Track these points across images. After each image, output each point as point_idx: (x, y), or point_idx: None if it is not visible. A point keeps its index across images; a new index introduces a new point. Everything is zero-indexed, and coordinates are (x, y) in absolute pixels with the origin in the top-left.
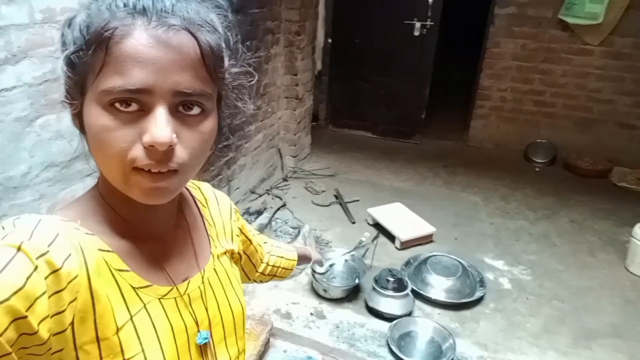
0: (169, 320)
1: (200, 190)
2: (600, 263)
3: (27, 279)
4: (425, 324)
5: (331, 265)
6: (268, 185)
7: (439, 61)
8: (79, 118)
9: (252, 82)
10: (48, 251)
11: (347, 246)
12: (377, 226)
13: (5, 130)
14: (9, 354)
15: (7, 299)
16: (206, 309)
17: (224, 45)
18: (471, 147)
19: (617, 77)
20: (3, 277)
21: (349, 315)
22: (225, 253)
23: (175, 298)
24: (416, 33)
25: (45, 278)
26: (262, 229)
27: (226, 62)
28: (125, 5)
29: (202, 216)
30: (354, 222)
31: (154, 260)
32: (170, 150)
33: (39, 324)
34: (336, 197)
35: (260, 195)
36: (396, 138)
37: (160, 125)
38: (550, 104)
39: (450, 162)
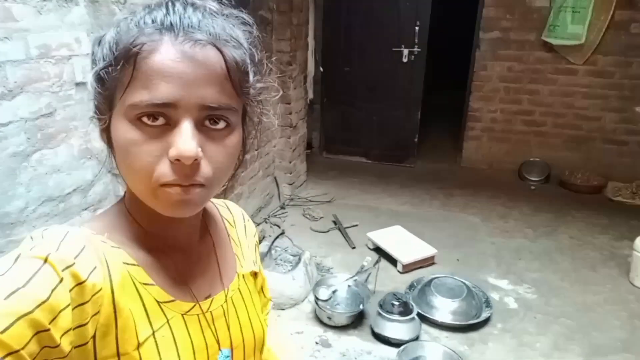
0: (190, 337)
1: (229, 209)
2: (603, 278)
3: (52, 291)
4: (434, 348)
5: (334, 292)
6: (266, 214)
7: (429, 86)
8: (107, 133)
9: (277, 97)
10: (74, 263)
11: (348, 272)
12: (378, 250)
13: (1, 165)
14: None
15: (31, 312)
16: (228, 329)
17: (249, 60)
18: (465, 169)
19: (603, 94)
20: (28, 289)
21: (355, 342)
22: (250, 274)
23: (197, 315)
24: (404, 60)
25: (70, 290)
26: (262, 258)
27: (251, 77)
28: (153, 22)
29: (228, 235)
30: (354, 247)
31: (178, 275)
32: (196, 164)
33: (61, 336)
34: (335, 222)
35: (259, 224)
36: (390, 162)
37: (186, 139)
38: (540, 123)
39: (445, 184)
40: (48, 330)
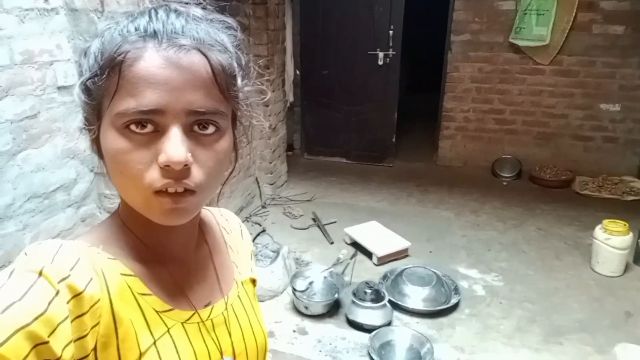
0: (192, 345)
1: (226, 218)
2: (567, 265)
3: (49, 303)
4: (404, 332)
5: (311, 283)
6: (247, 213)
7: (406, 88)
8: (96, 143)
9: (265, 100)
10: (69, 275)
11: (326, 265)
12: (355, 245)
13: None
14: None
15: (29, 324)
16: (230, 336)
17: (235, 64)
18: (441, 167)
19: (568, 92)
20: (24, 302)
21: (331, 329)
22: (249, 280)
23: (198, 323)
24: (380, 63)
25: (67, 302)
26: None
27: (239, 81)
28: (136, 30)
29: (225, 242)
30: (332, 243)
31: (175, 284)
32: (186, 169)
33: (63, 349)
34: (314, 220)
35: None
36: (369, 162)
37: (175, 145)
38: (510, 121)
39: (422, 182)
40: (47, 342)
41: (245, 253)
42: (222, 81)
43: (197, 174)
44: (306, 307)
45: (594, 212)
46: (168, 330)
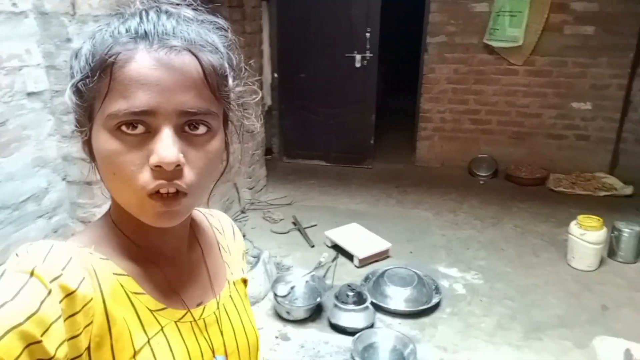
0: (185, 344)
1: (219, 219)
2: (544, 262)
3: (41, 303)
4: (387, 334)
5: (292, 288)
6: None
7: (385, 90)
8: (88, 146)
9: (257, 100)
10: (61, 275)
11: (307, 269)
12: (336, 247)
13: None
14: None
15: (21, 324)
16: (222, 336)
17: (226, 64)
18: (419, 167)
19: (541, 92)
20: (16, 302)
21: (313, 334)
22: (240, 280)
23: (190, 322)
24: (357, 65)
25: (60, 302)
26: None
27: (230, 81)
28: (127, 31)
29: (217, 243)
30: (313, 246)
31: (167, 283)
32: (178, 170)
33: (56, 349)
34: (294, 223)
35: None
36: (348, 164)
37: (166, 145)
38: (485, 121)
39: (401, 183)
40: (40, 342)
41: (237, 253)
42: (213, 81)
43: (188, 175)
44: (288, 313)
45: (568, 209)
46: (162, 329)
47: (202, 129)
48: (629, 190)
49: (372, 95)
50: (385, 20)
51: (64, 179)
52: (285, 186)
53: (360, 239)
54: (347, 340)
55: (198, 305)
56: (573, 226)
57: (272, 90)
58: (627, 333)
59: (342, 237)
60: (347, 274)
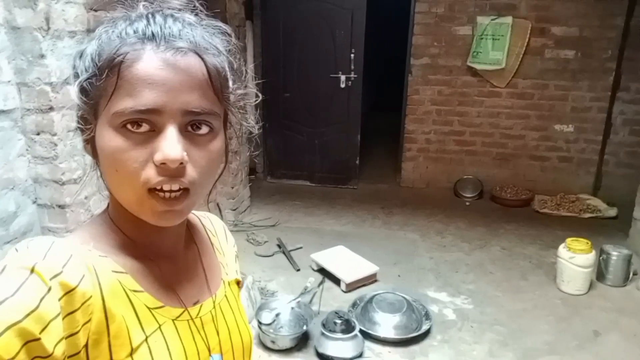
0: (182, 342)
1: (211, 221)
2: (532, 285)
3: (41, 300)
4: None
5: (277, 315)
6: None
7: (369, 110)
8: (91, 144)
9: (257, 102)
10: (62, 272)
11: (293, 294)
12: (322, 271)
13: None
14: None
15: (20, 321)
16: (217, 335)
17: (228, 67)
18: (404, 188)
19: (524, 114)
20: (16, 299)
21: None
22: (234, 281)
23: (187, 321)
24: (342, 85)
25: (59, 299)
26: None
27: (231, 84)
28: (135, 32)
29: (212, 244)
30: (298, 270)
31: (165, 282)
32: (181, 168)
33: (55, 346)
34: (279, 246)
35: None
36: (333, 185)
37: (171, 143)
38: (470, 142)
39: (386, 204)
40: (38, 339)
41: (230, 255)
42: (217, 83)
43: (191, 173)
44: (273, 342)
45: (554, 230)
46: (159, 327)
47: (204, 129)
48: (613, 212)
49: (356, 116)
50: (369, 41)
51: (34, 202)
52: (269, 207)
53: (347, 262)
54: None
55: (195, 303)
56: (562, 249)
57: (256, 109)
58: None
59: (328, 260)
60: (334, 299)
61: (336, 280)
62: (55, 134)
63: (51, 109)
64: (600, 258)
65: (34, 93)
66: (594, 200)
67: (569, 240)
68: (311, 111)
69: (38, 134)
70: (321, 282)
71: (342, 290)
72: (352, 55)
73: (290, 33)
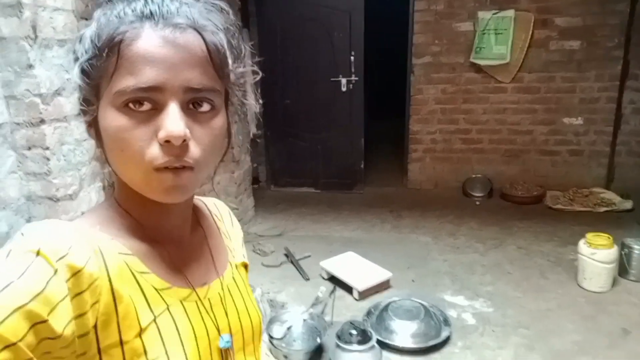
0: (191, 323)
1: (217, 206)
2: (553, 284)
3: (47, 282)
4: None
5: (289, 328)
6: None
7: (372, 113)
8: (94, 126)
9: (257, 80)
10: (67, 254)
11: (304, 305)
12: (333, 279)
13: None
14: (30, 359)
15: (26, 304)
16: (227, 316)
17: (227, 44)
18: (412, 190)
19: (531, 109)
20: (22, 282)
21: None
22: (241, 264)
23: (196, 302)
24: (343, 89)
25: (66, 281)
26: None
27: (231, 61)
28: (133, 11)
29: (218, 228)
30: (308, 279)
31: (172, 263)
32: (185, 145)
33: (64, 327)
34: (286, 255)
35: None
36: (339, 190)
37: (174, 120)
38: (477, 140)
39: (395, 207)
40: (46, 321)
41: (237, 239)
42: (216, 60)
43: (194, 150)
44: (286, 357)
45: (569, 226)
46: (168, 308)
47: (206, 107)
48: (628, 204)
49: (359, 119)
50: (369, 43)
51: (28, 221)
52: (274, 216)
53: (358, 269)
54: None
55: (202, 285)
56: (582, 245)
57: (257, 118)
58: None
59: (338, 267)
60: (347, 309)
61: (348, 289)
62: (47, 148)
63: (42, 121)
64: (622, 252)
65: (23, 106)
66: (608, 194)
67: (589, 235)
68: (313, 117)
69: (29, 148)
70: (332, 291)
71: (355, 299)
72: (352, 57)
73: (287, 38)
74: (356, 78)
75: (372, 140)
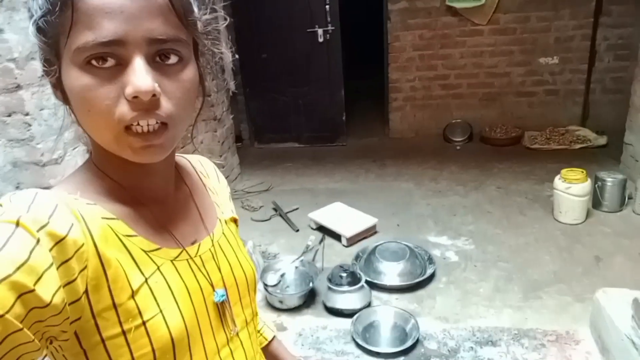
0: (183, 281)
1: (201, 163)
2: (531, 219)
3: (30, 252)
4: (386, 311)
5: (282, 275)
6: None
7: (351, 63)
8: (60, 88)
9: (225, 25)
10: (48, 223)
11: (295, 254)
12: (321, 229)
13: None
14: (20, 329)
15: (11, 275)
16: (219, 271)
17: None
18: (394, 139)
19: (508, 51)
20: (4, 253)
21: (310, 320)
22: (230, 219)
23: (187, 260)
24: (320, 39)
25: (50, 250)
26: None
27: (195, 9)
28: None
29: (204, 185)
30: (297, 230)
31: (159, 224)
32: (155, 100)
33: (52, 295)
34: (275, 209)
35: None
36: (322, 143)
37: (140, 75)
38: (456, 85)
39: (378, 157)
40: (32, 291)
41: (224, 194)
42: (178, 7)
43: (166, 105)
44: (281, 302)
45: (546, 165)
46: (158, 268)
47: (173, 59)
48: (602, 140)
49: (338, 70)
50: None
51: (17, 187)
52: (260, 172)
53: (345, 217)
54: (346, 322)
55: (192, 243)
56: (557, 181)
57: (235, 75)
58: (625, 282)
59: (326, 217)
60: (336, 255)
61: (336, 237)
62: (27, 114)
63: (18, 87)
64: (596, 185)
65: None
66: (583, 131)
67: (563, 171)
68: (291, 70)
69: (9, 115)
70: (322, 240)
71: (344, 245)
72: (327, 7)
73: None
74: (333, 28)
75: (352, 91)
